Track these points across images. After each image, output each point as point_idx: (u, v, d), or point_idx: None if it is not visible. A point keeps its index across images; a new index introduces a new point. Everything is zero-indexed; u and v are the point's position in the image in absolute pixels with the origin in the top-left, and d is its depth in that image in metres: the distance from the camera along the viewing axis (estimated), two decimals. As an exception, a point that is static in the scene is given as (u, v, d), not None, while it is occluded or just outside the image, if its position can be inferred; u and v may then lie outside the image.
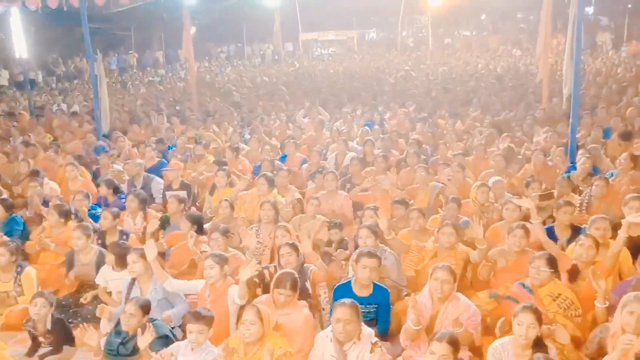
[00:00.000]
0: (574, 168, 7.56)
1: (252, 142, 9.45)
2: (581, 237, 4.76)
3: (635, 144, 8.31)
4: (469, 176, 7.68)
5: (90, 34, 23.72)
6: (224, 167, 7.54)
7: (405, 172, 7.87)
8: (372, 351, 3.91)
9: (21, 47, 14.28)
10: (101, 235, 6.15)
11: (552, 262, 4.45)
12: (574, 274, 4.73)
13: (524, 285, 4.58)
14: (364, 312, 4.62)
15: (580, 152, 7.98)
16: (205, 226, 6.41)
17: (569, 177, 6.99)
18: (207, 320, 4.02)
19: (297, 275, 4.51)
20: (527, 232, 5.12)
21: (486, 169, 7.82)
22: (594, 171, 7.43)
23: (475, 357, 4.37)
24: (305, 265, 5.17)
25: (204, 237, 5.86)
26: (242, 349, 3.98)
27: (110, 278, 5.46)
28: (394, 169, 7.95)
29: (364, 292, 4.66)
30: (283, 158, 9.15)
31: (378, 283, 4.76)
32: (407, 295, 5.22)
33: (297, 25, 25.93)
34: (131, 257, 4.95)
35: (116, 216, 6.18)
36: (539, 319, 3.74)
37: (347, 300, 4.02)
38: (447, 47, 30.01)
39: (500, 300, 4.90)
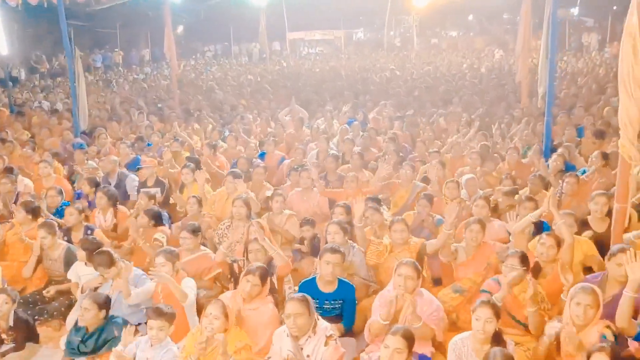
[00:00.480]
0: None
1: (230, 140, 9.43)
2: (543, 235, 4.80)
3: (613, 142, 8.36)
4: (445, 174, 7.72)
5: (74, 31, 23.68)
6: (190, 164, 7.50)
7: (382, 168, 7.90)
8: (326, 344, 3.92)
9: (1, 43, 14.12)
10: (67, 231, 6.09)
11: (524, 260, 4.48)
12: (536, 271, 4.76)
13: (499, 283, 4.60)
14: (328, 308, 4.66)
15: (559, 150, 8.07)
16: (178, 224, 6.44)
17: (540, 175, 7.03)
18: (168, 316, 4.00)
19: (267, 269, 4.52)
20: (483, 226, 5.18)
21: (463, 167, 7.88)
22: (568, 169, 7.48)
23: (438, 352, 4.39)
24: (272, 261, 5.16)
25: (164, 228, 5.84)
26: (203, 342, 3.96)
27: (82, 273, 5.40)
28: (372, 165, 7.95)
29: (328, 288, 4.67)
30: (262, 155, 9.14)
31: (343, 279, 4.77)
32: (374, 292, 5.26)
33: (284, 24, 25.89)
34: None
35: (81, 212, 6.12)
36: (497, 314, 3.76)
37: (298, 295, 4.04)
38: (434, 47, 30.10)
39: (465, 294, 4.95)
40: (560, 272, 4.30)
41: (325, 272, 4.59)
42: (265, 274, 4.40)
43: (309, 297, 4.06)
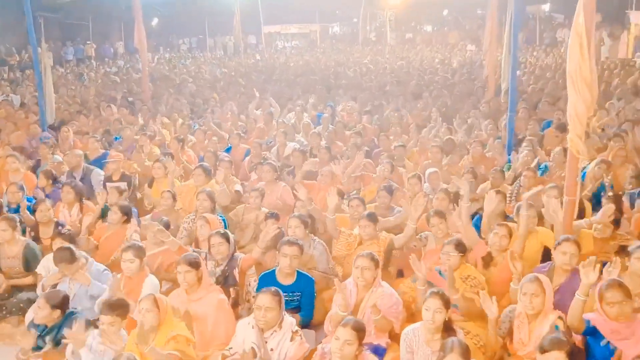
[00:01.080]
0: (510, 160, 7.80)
1: (198, 134, 9.43)
2: (496, 226, 4.93)
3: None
4: (408, 167, 7.86)
5: (45, 23, 23.24)
6: (163, 157, 7.49)
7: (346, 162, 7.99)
8: (292, 339, 3.99)
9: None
10: (35, 227, 6.05)
11: (460, 247, 4.63)
12: (487, 260, 4.91)
13: (439, 272, 4.73)
14: (287, 300, 4.71)
15: (524, 144, 8.24)
16: (147, 218, 6.44)
17: (502, 169, 7.19)
18: (120, 311, 4.00)
19: (195, 254, 4.56)
20: (442, 217, 5.34)
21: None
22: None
23: (395, 343, 4.48)
24: (236, 254, 5.21)
25: (132, 226, 5.85)
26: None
27: (53, 268, 5.36)
28: (340, 159, 7.99)
29: (287, 280, 4.74)
30: (229, 150, 9.16)
31: (302, 271, 4.85)
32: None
33: (259, 18, 25.79)
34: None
35: (51, 208, 6.09)
36: (446, 304, 3.87)
37: (271, 288, 4.09)
38: (408, 41, 30.30)
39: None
40: (509, 260, 4.43)
41: (283, 265, 4.67)
42: (193, 260, 4.41)
43: (281, 292, 4.12)
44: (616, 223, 5.26)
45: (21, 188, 6.65)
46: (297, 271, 4.80)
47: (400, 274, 5.77)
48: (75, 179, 7.77)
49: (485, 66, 11.95)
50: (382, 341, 4.41)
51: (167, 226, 5.53)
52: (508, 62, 8.34)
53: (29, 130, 10.30)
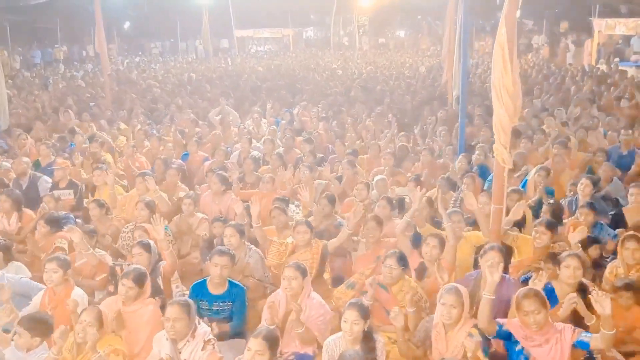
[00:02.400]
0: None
1: (153, 141, 9.34)
2: (427, 236, 4.97)
3: (522, 143, 8.69)
4: (361, 174, 7.88)
5: (11, 26, 22.84)
6: (101, 165, 7.41)
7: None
8: (203, 349, 3.97)
9: None
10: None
11: (402, 260, 4.63)
12: (421, 271, 4.94)
13: (380, 285, 4.74)
14: (218, 309, 4.71)
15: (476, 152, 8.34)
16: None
17: (448, 177, 7.25)
18: (37, 332, 3.93)
19: (144, 271, 4.51)
20: (379, 223, 5.37)
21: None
22: (482, 170, 7.73)
23: (321, 351, 4.48)
24: (160, 263, 5.16)
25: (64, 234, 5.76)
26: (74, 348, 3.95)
27: None
28: (290, 166, 7.99)
29: (218, 290, 4.71)
30: (185, 156, 9.09)
31: (233, 281, 4.83)
32: (272, 291, 5.35)
33: (231, 22, 25.70)
34: None
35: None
36: (364, 315, 3.87)
37: (179, 299, 4.08)
38: (381, 46, 30.49)
39: (356, 288, 5.06)
40: (436, 271, 4.46)
41: (213, 274, 4.64)
42: (140, 277, 4.39)
43: (191, 302, 4.10)
44: (553, 230, 5.29)
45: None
46: (229, 280, 4.77)
47: (339, 280, 5.78)
48: (21, 186, 7.67)
49: (444, 72, 12.04)
50: (309, 349, 4.42)
51: (92, 233, 5.44)
52: (459, 69, 8.42)
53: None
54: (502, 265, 4.41)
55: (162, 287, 4.92)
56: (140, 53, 29.20)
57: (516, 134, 9.15)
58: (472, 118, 10.42)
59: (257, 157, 8.15)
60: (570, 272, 4.35)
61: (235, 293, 4.75)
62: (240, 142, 9.25)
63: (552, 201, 6.41)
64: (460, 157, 7.59)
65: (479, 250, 5.27)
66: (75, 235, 4.95)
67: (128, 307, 4.36)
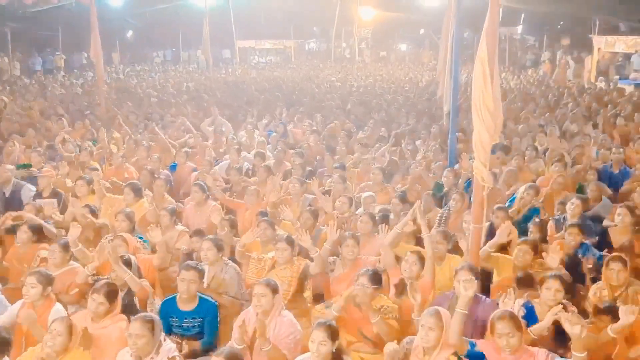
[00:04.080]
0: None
1: (141, 151, 9.26)
2: (408, 253, 4.86)
3: (514, 160, 8.56)
4: (349, 188, 7.78)
5: (12, 33, 22.92)
6: (86, 176, 7.34)
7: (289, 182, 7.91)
8: None
9: None
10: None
11: (375, 279, 4.52)
12: (400, 287, 4.82)
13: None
14: (188, 326, 4.60)
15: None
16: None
17: (433, 193, 7.15)
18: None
19: (116, 287, 4.42)
20: (357, 241, 5.28)
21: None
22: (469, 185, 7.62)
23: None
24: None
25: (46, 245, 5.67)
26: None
27: None
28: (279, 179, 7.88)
29: (187, 305, 4.62)
30: (173, 167, 9.02)
31: (204, 296, 4.72)
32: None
33: (233, 32, 25.77)
34: None
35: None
36: (332, 336, 3.77)
37: (142, 315, 3.96)
38: (382, 59, 30.51)
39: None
40: (409, 291, 4.35)
41: (180, 290, 4.54)
42: (111, 292, 4.29)
43: (156, 318, 4.00)
44: (537, 250, 5.18)
45: None
46: (199, 296, 4.67)
47: (321, 297, 5.67)
48: (4, 194, 7.60)
49: (440, 86, 11.96)
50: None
51: (67, 246, 5.34)
52: (450, 85, 8.35)
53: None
54: (476, 282, 4.32)
55: (138, 305, 4.80)
56: (142, 62, 29.27)
57: (506, 150, 9.09)
58: (467, 133, 10.30)
59: (241, 168, 8.06)
60: (551, 294, 4.27)
61: (205, 309, 4.65)
62: (229, 152, 9.18)
63: (538, 220, 6.31)
64: (446, 171, 7.47)
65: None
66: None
67: (97, 323, 4.25)
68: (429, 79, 20.60)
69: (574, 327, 3.55)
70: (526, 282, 4.58)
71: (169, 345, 3.99)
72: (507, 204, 6.82)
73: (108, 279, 4.93)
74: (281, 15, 28.40)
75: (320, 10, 28.65)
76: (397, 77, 21.93)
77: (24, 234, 5.67)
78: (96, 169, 7.71)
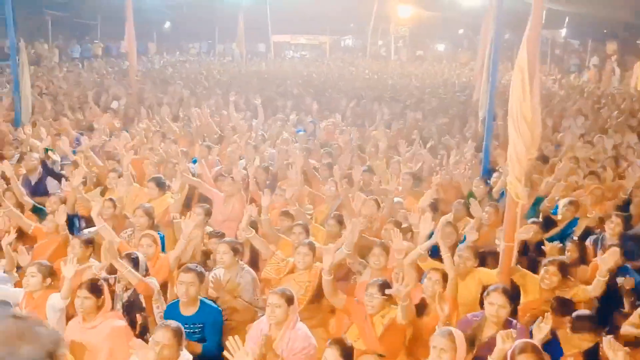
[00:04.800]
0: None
1: (168, 144, 9.14)
2: (430, 270, 4.59)
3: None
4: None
5: (52, 21, 23.34)
6: (117, 168, 7.27)
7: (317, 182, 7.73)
8: None
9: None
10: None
11: (385, 288, 4.30)
12: (420, 308, 4.56)
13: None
14: (189, 332, 4.41)
15: (495, 174, 7.90)
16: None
17: (465, 202, 6.82)
18: None
19: (100, 281, 4.28)
20: (385, 250, 5.05)
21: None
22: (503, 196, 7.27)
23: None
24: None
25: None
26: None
27: None
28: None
29: (188, 310, 4.46)
30: (194, 161, 8.88)
31: (206, 301, 4.56)
32: (262, 316, 5.05)
33: (268, 26, 25.68)
34: None
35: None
36: (346, 355, 3.57)
37: (171, 324, 3.79)
38: (419, 58, 29.99)
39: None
40: (437, 303, 4.10)
41: (179, 293, 4.39)
42: (96, 285, 4.15)
43: (182, 328, 3.84)
44: (565, 271, 4.81)
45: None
46: (201, 300, 4.50)
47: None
48: (30, 182, 7.61)
49: (475, 89, 11.55)
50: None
51: (90, 242, 5.23)
52: (486, 89, 7.97)
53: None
54: (508, 309, 4.04)
55: (144, 304, 4.65)
56: (178, 52, 29.44)
57: (545, 160, 8.68)
58: (502, 141, 9.89)
59: (267, 167, 7.90)
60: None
61: (207, 313, 4.47)
62: (245, 150, 8.95)
63: (576, 238, 5.94)
64: (476, 180, 7.13)
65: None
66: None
67: (87, 322, 4.12)
68: (466, 81, 20.07)
69: (617, 353, 3.30)
70: (564, 308, 4.24)
71: (186, 356, 3.81)
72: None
73: (115, 278, 4.82)
74: (317, 10, 28.14)
75: (357, 7, 28.30)
76: (433, 76, 21.41)
77: (49, 222, 5.70)
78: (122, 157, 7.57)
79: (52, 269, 4.58)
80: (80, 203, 6.56)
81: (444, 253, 4.59)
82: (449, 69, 24.80)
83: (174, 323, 3.84)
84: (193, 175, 7.58)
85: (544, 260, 4.81)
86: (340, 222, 6.00)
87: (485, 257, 5.18)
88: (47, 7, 22.12)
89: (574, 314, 3.83)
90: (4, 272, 5.18)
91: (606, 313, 4.83)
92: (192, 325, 4.34)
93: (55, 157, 8.34)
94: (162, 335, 3.67)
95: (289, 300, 4.15)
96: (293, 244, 5.56)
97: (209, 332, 4.40)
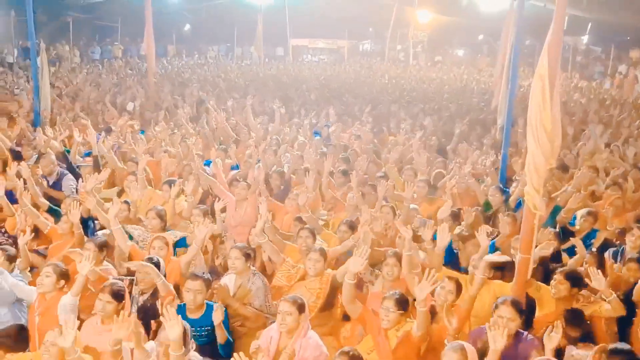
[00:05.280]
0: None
1: (184, 146, 9.17)
2: (445, 279, 4.49)
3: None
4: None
5: (74, 22, 23.64)
6: (135, 171, 7.29)
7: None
8: None
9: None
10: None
11: (401, 303, 4.21)
12: (431, 314, 4.46)
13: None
14: (196, 335, 4.39)
15: (513, 184, 7.77)
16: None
17: (482, 211, 6.72)
18: None
19: (122, 286, 4.28)
20: (399, 261, 4.93)
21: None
22: (519, 206, 7.13)
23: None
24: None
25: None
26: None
27: None
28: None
29: (195, 314, 4.46)
30: (208, 163, 8.88)
31: (211, 303, 4.53)
32: (272, 322, 5.00)
33: (286, 30, 25.74)
34: None
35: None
36: None
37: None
38: (437, 64, 29.80)
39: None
40: (444, 315, 4.02)
41: (186, 299, 4.40)
42: (118, 290, 4.14)
43: (187, 326, 3.82)
44: (573, 280, 4.59)
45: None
46: (207, 303, 4.50)
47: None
48: (48, 182, 7.64)
49: (495, 96, 11.39)
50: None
51: (103, 246, 5.22)
52: (505, 97, 7.84)
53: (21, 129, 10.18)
54: (518, 322, 3.94)
55: (160, 310, 4.62)
56: (196, 55, 29.61)
57: (564, 168, 8.52)
58: (520, 149, 9.73)
59: (282, 172, 7.85)
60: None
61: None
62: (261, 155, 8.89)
63: (594, 250, 5.81)
64: (492, 189, 7.00)
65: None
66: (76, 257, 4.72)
67: (106, 325, 4.11)
68: (485, 87, 19.87)
69: None
70: (575, 319, 4.13)
71: (196, 356, 3.79)
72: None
73: (130, 279, 4.81)
74: (336, 15, 28.15)
75: (376, 12, 28.25)
76: (452, 82, 21.23)
77: (64, 223, 5.69)
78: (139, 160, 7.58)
79: (67, 271, 4.59)
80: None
81: (479, 274, 4.44)
82: (467, 74, 24.57)
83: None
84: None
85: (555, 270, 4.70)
86: (352, 228, 5.91)
87: (502, 269, 5.06)
88: (69, 9, 22.44)
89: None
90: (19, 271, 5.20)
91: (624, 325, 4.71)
92: (199, 329, 4.34)
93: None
94: (166, 336, 3.63)
95: (300, 308, 4.10)
96: (300, 249, 5.52)
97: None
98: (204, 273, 4.53)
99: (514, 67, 7.64)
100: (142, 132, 10.25)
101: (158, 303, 4.67)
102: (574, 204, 6.26)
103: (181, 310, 4.41)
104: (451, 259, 5.96)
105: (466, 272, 5.23)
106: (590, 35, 29.33)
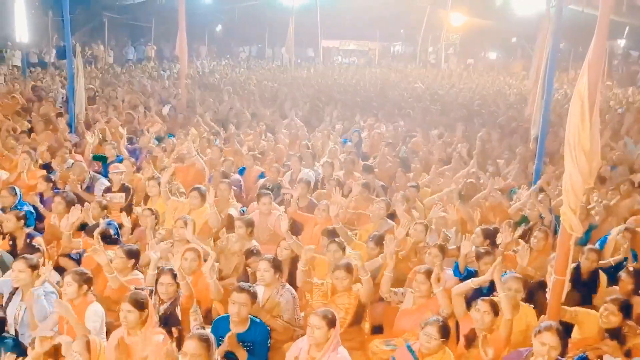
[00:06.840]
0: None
1: (215, 151, 9.23)
2: (478, 300, 4.38)
3: (609, 194, 7.78)
4: (419, 210, 7.36)
5: (109, 23, 24.05)
6: (158, 176, 7.33)
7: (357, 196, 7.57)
8: None
9: (22, 30, 14.35)
10: (12, 236, 5.96)
11: (444, 331, 4.10)
12: (470, 339, 4.36)
13: (410, 349, 4.25)
14: None
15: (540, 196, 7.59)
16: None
17: (516, 223, 6.57)
18: None
19: (144, 294, 4.29)
20: (429, 277, 4.81)
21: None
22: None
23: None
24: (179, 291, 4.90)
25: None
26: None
27: None
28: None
29: (239, 328, 4.41)
30: (242, 171, 8.91)
31: (256, 319, 4.51)
32: (301, 335, 4.97)
33: (318, 32, 25.72)
34: (17, 266, 4.76)
35: (20, 218, 5.96)
36: None
37: (199, 333, 3.79)
38: (469, 67, 29.41)
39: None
40: (480, 345, 3.92)
41: (231, 312, 4.35)
42: (140, 299, 4.15)
43: (212, 337, 3.83)
44: (626, 311, 4.43)
45: (12, 191, 6.63)
46: (251, 319, 4.46)
47: (380, 330, 5.33)
48: (81, 186, 7.76)
49: (529, 104, 11.13)
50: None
51: (133, 254, 5.27)
52: (540, 106, 7.66)
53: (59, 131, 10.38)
54: (559, 350, 3.81)
55: (179, 317, 4.65)
56: (228, 56, 29.83)
57: (602, 180, 8.30)
58: (555, 157, 9.50)
59: (309, 181, 7.78)
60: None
61: (257, 333, 4.44)
62: (291, 161, 8.87)
63: (631, 268, 5.60)
64: (529, 203, 6.84)
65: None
66: (101, 258, 4.79)
67: (132, 336, 4.13)
68: (517, 92, 19.49)
69: None
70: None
71: None
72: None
73: (151, 290, 4.83)
74: (367, 16, 28.01)
75: (408, 14, 28.04)
76: (484, 88, 20.86)
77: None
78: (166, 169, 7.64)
79: (87, 275, 4.61)
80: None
81: (500, 291, 4.34)
82: (499, 80, 24.14)
83: (204, 333, 3.83)
84: (240, 187, 7.57)
85: (606, 298, 4.52)
86: (379, 244, 5.84)
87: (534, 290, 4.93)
88: (104, 9, 22.84)
89: None
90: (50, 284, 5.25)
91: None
92: (243, 344, 4.30)
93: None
94: (191, 346, 3.66)
95: (331, 323, 4.05)
96: (328, 262, 5.47)
97: (258, 351, 4.38)
98: (250, 286, 4.48)
99: (549, 79, 7.45)
100: (171, 135, 10.29)
101: (177, 310, 4.71)
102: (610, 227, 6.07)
103: (225, 322, 4.42)
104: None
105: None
106: (627, 39, 28.59)
